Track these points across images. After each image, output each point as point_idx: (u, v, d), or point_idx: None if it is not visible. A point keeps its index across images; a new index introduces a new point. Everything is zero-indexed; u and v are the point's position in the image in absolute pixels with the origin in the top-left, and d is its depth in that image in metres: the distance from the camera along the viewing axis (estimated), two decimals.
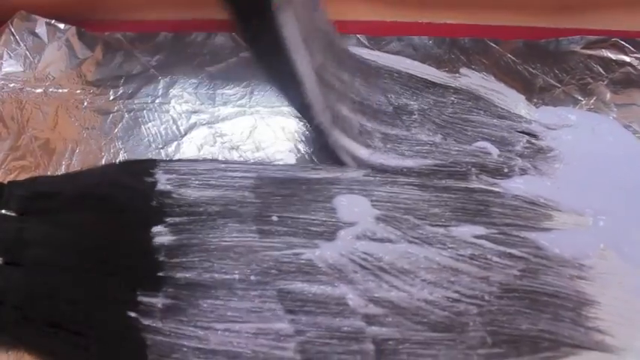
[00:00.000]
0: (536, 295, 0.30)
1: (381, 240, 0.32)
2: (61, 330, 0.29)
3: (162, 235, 0.32)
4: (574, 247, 0.32)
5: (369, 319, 0.29)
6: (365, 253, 0.31)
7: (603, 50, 0.40)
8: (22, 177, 0.35)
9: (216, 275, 0.31)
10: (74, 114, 0.39)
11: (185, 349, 0.29)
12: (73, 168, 0.36)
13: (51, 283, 0.30)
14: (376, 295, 0.30)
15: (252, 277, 0.30)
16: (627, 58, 0.40)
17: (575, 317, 0.30)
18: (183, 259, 0.31)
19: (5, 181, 0.34)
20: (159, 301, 0.30)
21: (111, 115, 0.39)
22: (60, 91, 0.40)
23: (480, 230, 0.32)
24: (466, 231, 0.32)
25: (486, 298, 0.30)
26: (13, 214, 0.33)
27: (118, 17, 0.44)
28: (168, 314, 0.29)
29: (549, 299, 0.30)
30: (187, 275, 0.31)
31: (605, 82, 0.39)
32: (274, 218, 0.32)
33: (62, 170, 0.36)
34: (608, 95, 0.39)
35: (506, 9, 0.43)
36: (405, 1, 0.43)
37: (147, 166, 0.35)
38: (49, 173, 0.36)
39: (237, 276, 0.30)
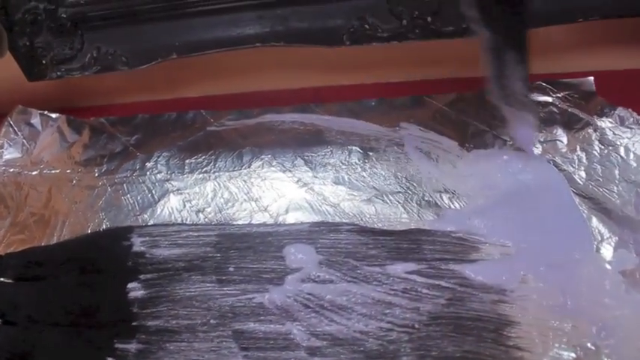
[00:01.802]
0: (461, 321, 0.35)
1: (324, 281, 0.38)
2: None
3: (136, 290, 0.38)
4: (497, 275, 0.37)
5: (312, 351, 0.35)
6: (309, 294, 0.37)
7: None
8: (20, 249, 0.42)
9: (181, 321, 0.37)
10: (64, 191, 0.46)
11: None
12: (63, 238, 0.43)
13: (41, 337, 0.37)
14: (317, 329, 0.36)
15: (212, 321, 0.36)
16: (550, 99, 0.46)
17: (497, 337, 0.35)
18: (154, 310, 0.37)
19: (3, 254, 0.41)
20: (132, 347, 0.36)
21: (96, 190, 0.46)
22: (53, 172, 0.48)
23: (412, 266, 0.38)
24: (399, 268, 0.38)
25: (416, 326, 0.35)
26: (9, 281, 0.40)
27: (101, 103, 0.53)
28: (140, 357, 0.36)
29: (473, 323, 0.35)
30: (157, 323, 0.37)
31: None
32: (231, 269, 0.39)
33: (54, 240, 0.43)
34: None
35: (439, 64, 0.49)
36: (351, 65, 0.50)
37: (124, 231, 0.42)
38: (43, 244, 0.43)
39: (198, 320, 0.37)
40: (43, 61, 0.48)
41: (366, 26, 0.45)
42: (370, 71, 0.50)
